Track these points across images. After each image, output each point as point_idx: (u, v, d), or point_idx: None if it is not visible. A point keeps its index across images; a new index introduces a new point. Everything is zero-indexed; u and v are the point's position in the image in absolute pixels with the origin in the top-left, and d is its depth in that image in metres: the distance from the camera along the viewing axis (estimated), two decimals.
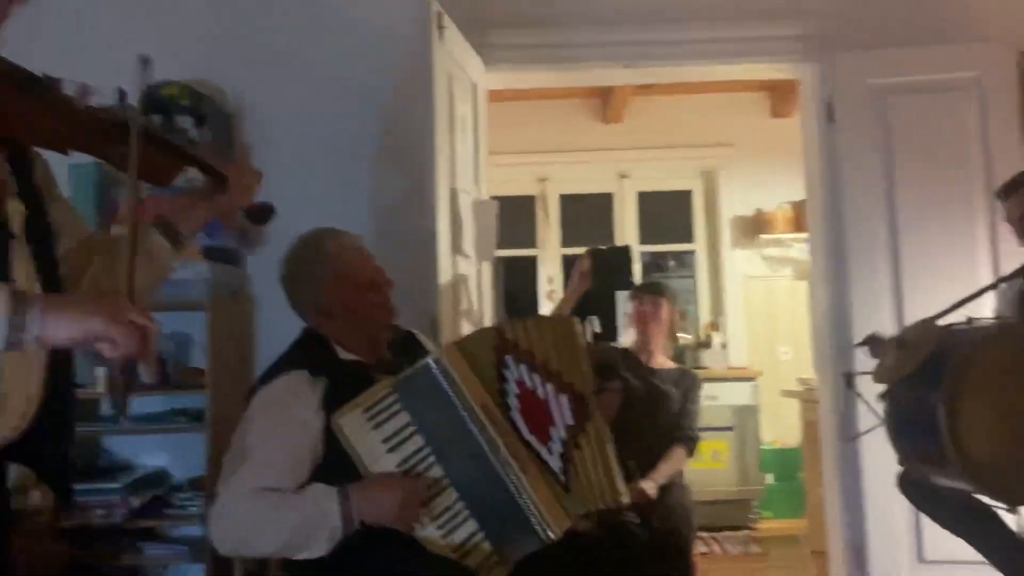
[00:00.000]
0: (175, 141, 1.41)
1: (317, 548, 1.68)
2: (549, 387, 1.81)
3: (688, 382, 3.23)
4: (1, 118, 1.15)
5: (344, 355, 1.92)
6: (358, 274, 1.98)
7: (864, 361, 2.52)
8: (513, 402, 1.80)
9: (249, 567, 2.33)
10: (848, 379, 2.60)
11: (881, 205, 3.16)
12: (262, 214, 1.59)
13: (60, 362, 1.23)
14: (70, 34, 3.05)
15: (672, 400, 3.13)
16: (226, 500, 1.72)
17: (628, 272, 3.04)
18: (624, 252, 3.07)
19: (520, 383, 1.80)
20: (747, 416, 4.93)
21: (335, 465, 1.75)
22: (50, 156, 1.38)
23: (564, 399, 1.81)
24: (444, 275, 2.68)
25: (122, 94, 1.35)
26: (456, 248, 2.82)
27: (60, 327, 1.06)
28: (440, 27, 2.74)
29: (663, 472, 3.02)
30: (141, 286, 1.38)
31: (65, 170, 2.85)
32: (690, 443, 3.14)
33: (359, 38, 3.20)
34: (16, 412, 1.16)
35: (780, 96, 5.37)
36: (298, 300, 2.01)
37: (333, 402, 1.77)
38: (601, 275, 2.95)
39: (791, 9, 3.28)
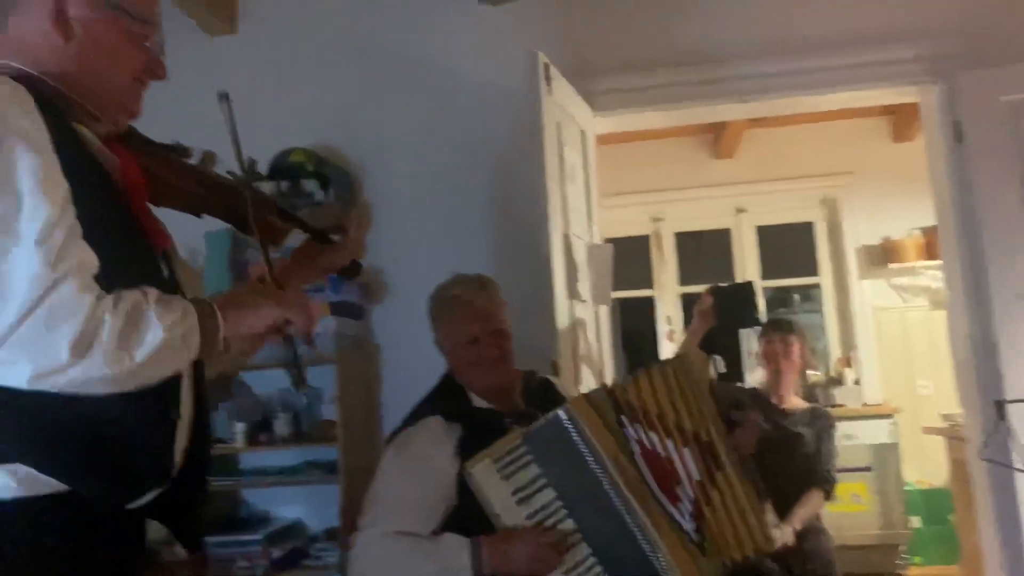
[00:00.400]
0: (280, 204, 1.49)
1: None
2: (670, 443, 1.77)
3: (822, 422, 3.11)
4: (142, 185, 1.25)
5: (478, 403, 1.96)
6: (458, 331, 2.02)
7: (1016, 388, 2.36)
8: (639, 461, 1.76)
9: None
10: (999, 408, 2.44)
11: (1021, 227, 2.97)
12: (351, 270, 1.65)
13: (201, 418, 1.29)
14: (202, 106, 3.29)
15: (806, 442, 3.02)
16: (363, 543, 1.77)
17: (753, 308, 2.96)
18: (747, 288, 3.00)
19: (640, 443, 1.76)
20: (887, 455, 4.68)
21: (468, 511, 1.77)
22: (188, 225, 1.49)
23: (687, 452, 1.77)
24: (561, 321, 2.69)
25: (252, 163, 1.44)
26: (572, 293, 2.83)
27: (242, 322, 1.18)
28: (548, 78, 2.79)
29: (800, 517, 2.89)
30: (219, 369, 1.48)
31: (201, 236, 3.07)
32: (827, 486, 3.01)
33: (470, 94, 3.30)
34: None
35: (902, 120, 5.17)
36: (432, 326, 2.10)
37: (467, 449, 1.80)
38: (724, 313, 2.88)
39: (909, 31, 3.17)
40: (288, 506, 3.20)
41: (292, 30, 3.47)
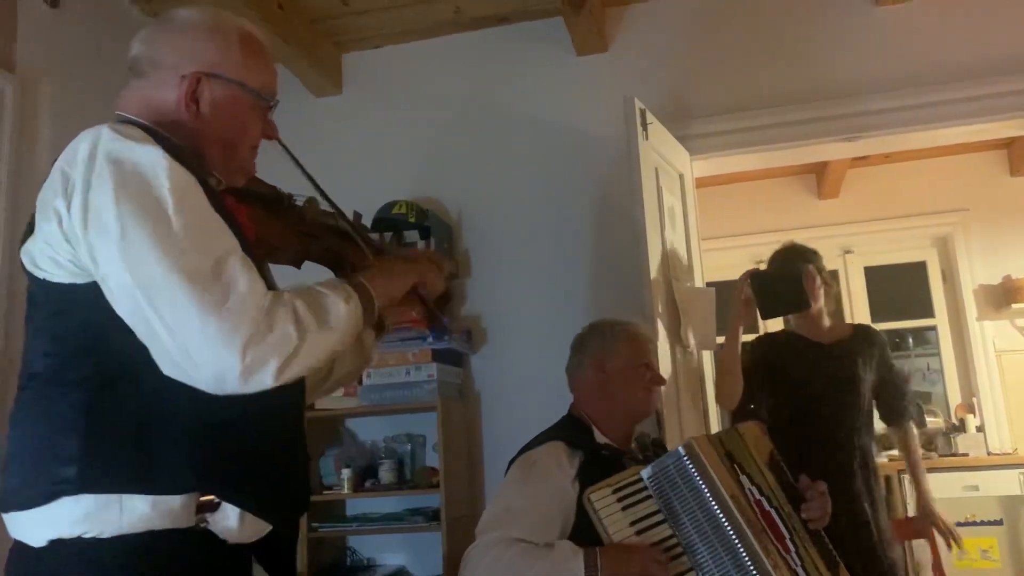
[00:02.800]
0: (371, 240, 1.51)
1: None
2: (764, 500, 1.78)
3: (876, 343, 2.78)
4: (260, 234, 1.32)
5: (601, 438, 2.02)
6: (645, 351, 2.13)
7: None
8: (755, 508, 1.73)
9: None
10: None
11: None
12: (440, 300, 1.67)
13: (301, 464, 1.35)
14: (308, 163, 3.44)
15: (861, 380, 2.70)
16: (477, 545, 1.79)
17: (799, 290, 2.65)
18: (790, 271, 2.72)
19: (751, 491, 1.77)
20: (1018, 507, 4.37)
21: (584, 538, 1.77)
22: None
23: (774, 513, 1.77)
24: (664, 368, 2.64)
25: (357, 216, 1.49)
26: (675, 339, 2.79)
27: (391, 289, 1.32)
28: (644, 124, 2.79)
29: (924, 483, 2.75)
30: (350, 370, 1.57)
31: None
32: (912, 415, 2.78)
33: (567, 143, 3.34)
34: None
35: (1019, 153, 4.92)
36: (583, 352, 2.14)
37: (587, 476, 1.84)
38: (768, 299, 2.68)
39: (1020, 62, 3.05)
40: (393, 553, 3.23)
41: (393, 88, 3.60)
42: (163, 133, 1.21)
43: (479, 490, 3.19)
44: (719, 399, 2.80)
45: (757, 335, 2.92)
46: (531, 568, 1.71)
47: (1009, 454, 4.64)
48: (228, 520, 1.14)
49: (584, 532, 1.78)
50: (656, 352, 2.20)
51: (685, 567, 1.70)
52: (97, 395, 1.10)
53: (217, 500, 1.13)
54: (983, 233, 5.07)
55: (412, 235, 3.17)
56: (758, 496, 1.77)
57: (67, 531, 1.07)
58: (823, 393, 2.68)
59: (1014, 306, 4.88)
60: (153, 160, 1.10)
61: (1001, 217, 5.01)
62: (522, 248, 3.32)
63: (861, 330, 2.88)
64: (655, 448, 2.14)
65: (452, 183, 3.44)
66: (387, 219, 3.17)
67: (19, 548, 1.12)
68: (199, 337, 1.04)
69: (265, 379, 1.07)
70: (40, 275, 1.15)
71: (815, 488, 1.90)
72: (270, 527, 1.21)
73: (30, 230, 1.17)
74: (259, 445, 1.19)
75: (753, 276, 2.71)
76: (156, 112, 1.24)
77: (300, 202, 1.43)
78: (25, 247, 1.17)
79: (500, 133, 3.44)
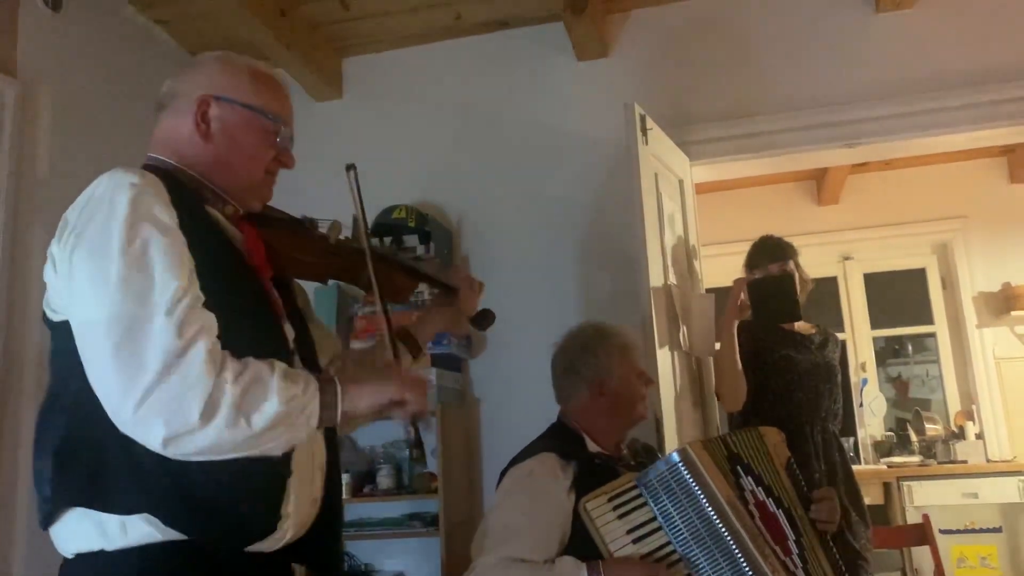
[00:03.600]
0: (407, 262, 1.55)
1: None
2: (770, 501, 1.78)
3: (836, 344, 2.93)
4: (275, 257, 1.37)
5: (592, 447, 2.00)
6: (637, 360, 2.11)
7: None
8: (753, 510, 1.72)
9: None
10: None
11: None
12: (484, 320, 1.70)
13: (332, 465, 1.38)
14: (308, 168, 3.45)
15: (836, 370, 2.85)
16: (480, 569, 1.77)
17: (792, 302, 2.76)
18: (785, 280, 2.80)
19: (753, 494, 1.76)
20: (1018, 515, 4.36)
21: (581, 548, 1.76)
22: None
23: (782, 514, 1.78)
24: (662, 373, 2.64)
25: (333, 224, 1.51)
26: (673, 345, 2.79)
27: (362, 400, 1.24)
28: (644, 129, 2.80)
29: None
30: None
31: (312, 293, 3.18)
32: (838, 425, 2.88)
33: (567, 149, 3.34)
34: (304, 513, 1.29)
35: (1019, 160, 4.93)
36: (577, 373, 2.07)
37: (581, 486, 1.82)
38: (763, 308, 2.78)
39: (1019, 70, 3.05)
40: (391, 559, 3.22)
41: (394, 93, 3.61)
42: (181, 168, 1.31)
43: (478, 495, 3.18)
44: (722, 401, 2.82)
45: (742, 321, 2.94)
46: None
47: (1008, 461, 4.64)
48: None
49: (581, 542, 1.76)
50: (641, 351, 2.17)
51: (683, 573, 1.70)
52: (72, 422, 1.18)
53: None
54: (983, 240, 5.07)
55: (412, 240, 3.17)
56: (762, 497, 1.76)
57: (84, 545, 1.17)
58: (803, 377, 2.78)
59: (1013, 313, 4.88)
60: (117, 207, 1.15)
61: (1001, 224, 5.01)
62: (522, 253, 3.32)
63: (825, 330, 2.99)
64: (646, 453, 2.13)
65: (452, 188, 3.45)
66: (387, 224, 3.17)
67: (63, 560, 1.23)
68: (105, 381, 1.11)
69: (151, 441, 1.09)
70: (47, 314, 1.25)
71: (823, 491, 1.92)
72: (290, 538, 1.24)
73: None
74: (213, 476, 1.16)
75: (751, 285, 2.78)
76: (175, 143, 1.34)
77: (324, 227, 1.48)
78: (46, 294, 1.27)
79: (500, 138, 3.44)
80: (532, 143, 3.39)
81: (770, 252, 2.90)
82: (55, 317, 1.23)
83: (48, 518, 1.20)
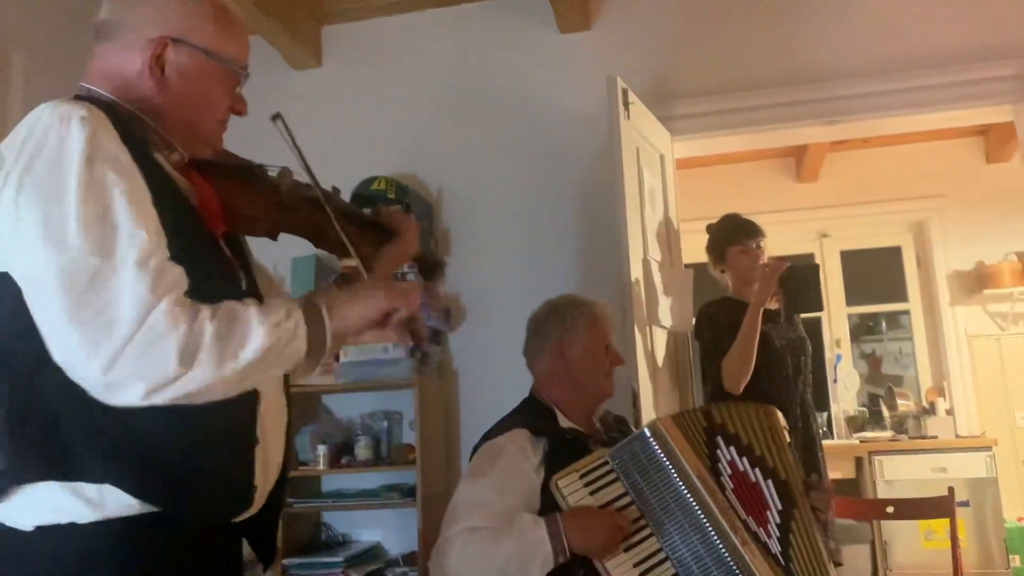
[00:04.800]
0: (349, 208, 1.47)
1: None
2: (758, 471, 1.78)
3: (799, 320, 3.05)
4: (225, 211, 1.26)
5: (564, 422, 1.99)
6: (605, 334, 2.08)
7: None
8: (726, 482, 1.74)
9: None
10: None
11: None
12: (431, 266, 1.63)
13: (289, 426, 1.33)
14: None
15: (807, 343, 2.97)
16: (444, 540, 1.78)
17: (817, 293, 2.89)
18: (812, 271, 2.94)
19: (732, 464, 1.77)
20: (984, 490, 4.45)
21: None
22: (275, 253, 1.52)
23: (771, 484, 1.78)
24: (641, 347, 2.66)
25: (335, 191, 1.46)
26: (652, 319, 2.80)
27: (352, 314, 1.17)
28: (626, 103, 2.79)
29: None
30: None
31: (288, 263, 3.16)
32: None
33: (549, 121, 3.32)
34: (270, 482, 1.25)
35: (996, 140, 4.97)
36: (542, 337, 2.08)
37: (552, 463, 1.82)
38: (792, 297, 2.86)
39: (1004, 48, 3.07)
40: (368, 529, 3.23)
41: (374, 62, 3.56)
42: (123, 105, 1.17)
43: (455, 467, 3.20)
44: (726, 380, 2.77)
45: (710, 302, 3.01)
46: (498, 548, 1.70)
47: (977, 437, 4.73)
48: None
49: None
50: (614, 329, 2.14)
51: (655, 547, 1.71)
52: (17, 386, 1.07)
53: None
54: (958, 219, 5.13)
55: None
56: (743, 467, 1.76)
57: (50, 517, 1.06)
58: (781, 350, 2.85)
59: (986, 292, 4.95)
60: (70, 145, 1.03)
61: (976, 204, 5.07)
62: (502, 226, 3.31)
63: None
64: (619, 426, 2.13)
65: (432, 160, 3.42)
66: (366, 195, 3.14)
67: (4, 532, 1.09)
68: (64, 342, 1.01)
69: (130, 399, 1.01)
70: None
71: (823, 484, 1.92)
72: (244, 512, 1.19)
73: None
74: (180, 443, 1.11)
75: (783, 278, 2.81)
76: (118, 80, 1.19)
77: (273, 173, 1.36)
78: None
79: (481, 110, 3.41)
80: (514, 115, 3.37)
81: (746, 229, 2.97)
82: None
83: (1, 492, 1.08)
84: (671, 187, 3.25)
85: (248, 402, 1.19)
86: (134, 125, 1.16)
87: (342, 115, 3.52)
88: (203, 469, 1.13)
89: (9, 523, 1.08)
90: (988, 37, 3.11)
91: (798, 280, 2.86)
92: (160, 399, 1.02)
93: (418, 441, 2.97)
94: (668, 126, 3.21)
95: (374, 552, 3.13)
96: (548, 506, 1.78)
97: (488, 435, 1.96)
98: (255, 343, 1.05)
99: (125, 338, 0.99)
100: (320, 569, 2.92)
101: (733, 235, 2.97)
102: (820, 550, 1.78)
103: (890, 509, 2.81)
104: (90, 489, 1.06)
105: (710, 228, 3.08)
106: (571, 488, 1.75)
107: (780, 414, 1.94)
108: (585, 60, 3.34)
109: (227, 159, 1.34)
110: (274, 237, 1.38)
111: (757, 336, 2.75)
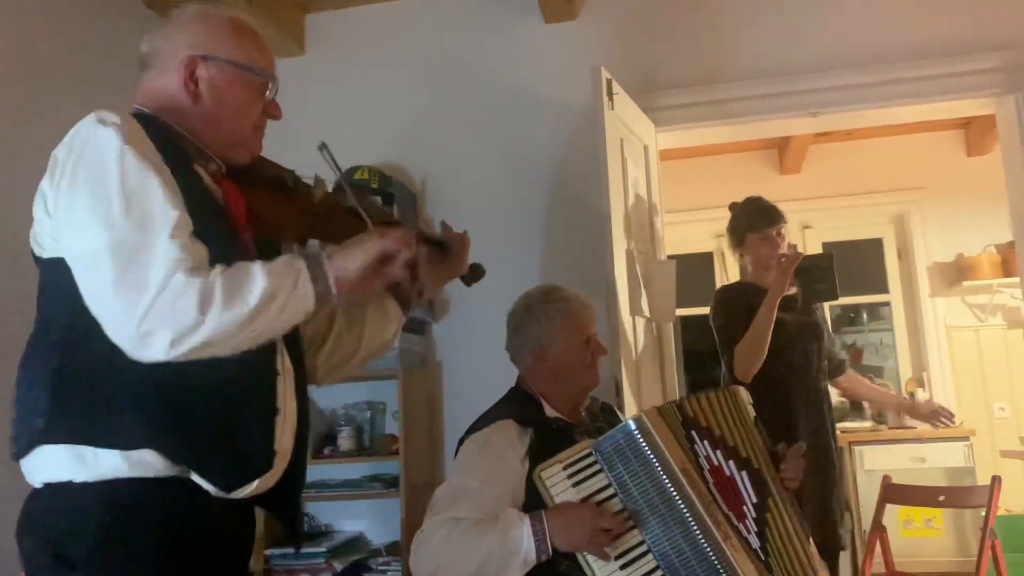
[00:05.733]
0: (396, 219, 1.53)
1: (512, 573, 1.70)
2: (732, 464, 1.79)
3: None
4: (254, 219, 1.37)
5: (550, 412, 1.99)
6: (584, 326, 2.06)
7: None
8: (708, 476, 1.74)
9: None
10: None
11: None
12: (475, 274, 1.68)
13: (302, 420, 1.42)
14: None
15: (823, 327, 3.02)
16: (426, 528, 1.78)
17: (832, 282, 2.89)
18: (827, 261, 2.93)
19: (708, 459, 1.77)
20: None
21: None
22: None
23: (745, 475, 1.78)
24: (624, 338, 2.66)
25: (317, 180, 1.48)
26: (635, 310, 2.81)
27: (350, 261, 1.25)
28: (610, 94, 2.79)
29: (887, 395, 3.24)
30: (376, 346, 1.62)
31: None
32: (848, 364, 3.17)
33: (533, 112, 3.32)
34: (285, 458, 1.35)
35: (976, 133, 5.01)
36: (522, 337, 2.08)
37: (537, 454, 1.82)
38: (809, 286, 2.89)
39: (986, 42, 3.09)
40: (351, 520, 3.23)
41: (358, 51, 3.54)
42: (162, 119, 1.32)
43: (439, 457, 3.20)
44: (737, 368, 2.79)
45: (726, 285, 3.12)
46: (480, 541, 1.70)
47: (956, 427, 4.77)
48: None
49: (536, 508, 1.76)
50: (595, 319, 2.11)
51: (636, 540, 1.71)
52: (65, 356, 1.21)
53: None
54: (939, 211, 5.17)
55: (375, 201, 3.13)
56: (718, 462, 1.77)
57: (54, 475, 1.20)
58: (795, 337, 2.87)
59: (965, 283, 5.00)
60: (109, 144, 1.18)
61: (956, 196, 5.11)
62: (486, 216, 3.30)
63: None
64: (605, 415, 2.13)
65: (417, 149, 3.41)
66: (348, 185, 3.12)
67: (30, 490, 1.25)
68: (108, 306, 1.14)
69: (157, 349, 1.12)
70: (35, 251, 1.28)
71: (795, 450, 1.94)
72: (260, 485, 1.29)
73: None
74: (210, 409, 1.23)
75: (799, 268, 2.82)
76: (160, 100, 1.35)
77: (308, 182, 1.46)
78: (32, 230, 1.28)
79: (466, 99, 3.40)
80: (498, 105, 3.36)
81: (767, 216, 2.97)
82: (44, 254, 1.25)
83: (25, 449, 1.22)
84: (655, 178, 3.26)
85: (268, 373, 1.32)
86: (173, 136, 1.31)
87: (325, 104, 3.50)
88: (231, 432, 1.25)
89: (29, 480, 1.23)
90: (970, 30, 3.12)
91: (815, 270, 2.88)
92: (185, 347, 1.13)
93: (401, 431, 2.96)
94: (652, 117, 3.21)
95: (357, 542, 3.13)
96: (533, 496, 1.78)
97: (475, 426, 1.96)
98: (260, 285, 1.16)
99: (154, 295, 1.11)
100: (303, 559, 2.92)
101: (753, 221, 2.98)
102: (796, 541, 1.79)
103: (942, 497, 3.11)
104: (87, 449, 1.18)
105: (733, 207, 3.09)
106: (554, 480, 1.76)
107: (744, 392, 1.95)
108: (570, 50, 3.33)
109: (264, 167, 1.45)
110: (303, 243, 1.49)
111: (772, 326, 2.75)
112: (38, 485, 1.23)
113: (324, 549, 2.92)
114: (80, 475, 1.18)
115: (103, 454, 1.18)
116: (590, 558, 1.71)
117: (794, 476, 1.91)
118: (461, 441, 1.96)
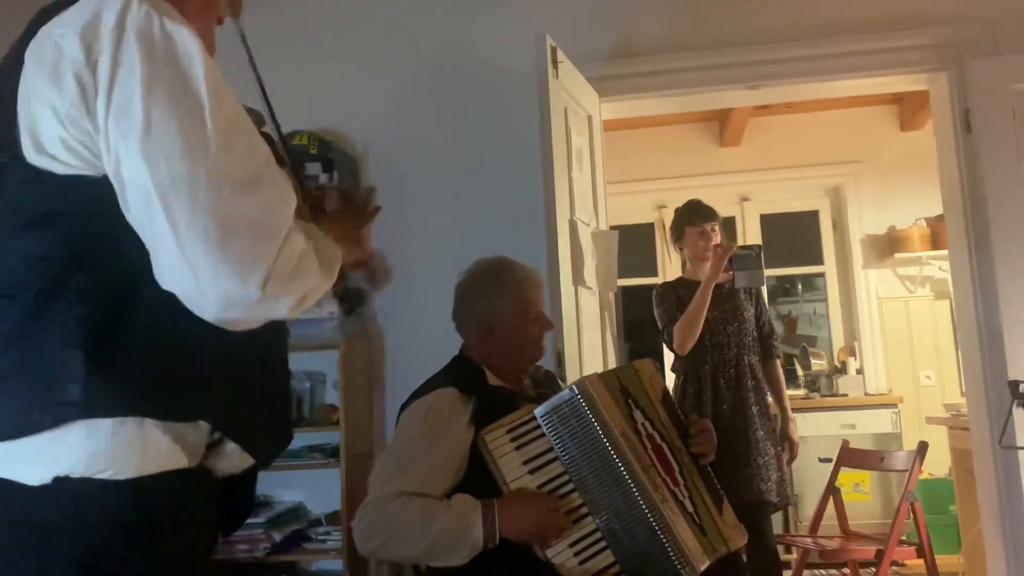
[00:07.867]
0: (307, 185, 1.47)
1: (457, 558, 1.71)
2: (656, 434, 1.84)
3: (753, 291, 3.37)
4: None
5: (493, 380, 2.00)
6: (533, 304, 2.07)
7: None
8: (646, 442, 1.78)
9: None
10: (1014, 389, 2.45)
11: None
12: (354, 298, 1.65)
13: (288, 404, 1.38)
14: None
15: (745, 310, 3.27)
16: (374, 501, 1.76)
17: (761, 271, 3.25)
18: (757, 251, 3.27)
19: (644, 427, 1.82)
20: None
21: (477, 480, 1.78)
22: None
23: (665, 446, 1.84)
24: (567, 308, 2.67)
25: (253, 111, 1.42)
26: (578, 280, 2.82)
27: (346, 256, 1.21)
28: (555, 62, 2.76)
29: (787, 408, 3.35)
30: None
31: None
32: (778, 354, 3.38)
33: (476, 78, 3.28)
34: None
35: (910, 109, 5.13)
36: (470, 311, 2.07)
37: (481, 421, 1.83)
38: (741, 273, 3.22)
39: (919, 18, 3.15)
40: (290, 490, 3.20)
41: (296, 12, 3.44)
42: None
43: (379, 427, 3.18)
44: (676, 343, 3.16)
45: (665, 282, 3.48)
46: (431, 523, 1.70)
47: (884, 395, 4.95)
48: (230, 456, 1.08)
49: (478, 475, 1.78)
50: (541, 292, 2.12)
51: (577, 502, 1.74)
52: (106, 308, 0.96)
53: (219, 436, 1.06)
54: (872, 185, 5.30)
55: (314, 168, 3.07)
56: (650, 430, 1.82)
57: (76, 467, 0.93)
58: (719, 321, 3.19)
59: (897, 255, 5.15)
60: (189, 47, 0.96)
61: (890, 170, 5.24)
62: (429, 183, 3.27)
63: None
64: (548, 382, 2.14)
65: (358, 115, 3.34)
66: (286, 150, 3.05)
67: (6, 488, 0.94)
68: (211, 256, 0.90)
69: (279, 312, 0.96)
70: (38, 163, 0.97)
71: (700, 424, 1.98)
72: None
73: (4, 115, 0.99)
74: (259, 382, 1.12)
75: (733, 256, 3.22)
76: None
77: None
78: (22, 129, 0.97)
79: (409, 64, 3.34)
80: (442, 71, 3.31)
81: (703, 213, 3.37)
82: (66, 169, 0.96)
83: (28, 428, 0.93)
84: (598, 148, 3.26)
85: (286, 334, 1.21)
86: None
87: (262, 67, 3.38)
88: (274, 400, 1.16)
89: (15, 475, 0.95)
90: (906, 6, 3.18)
91: (744, 259, 3.23)
92: (302, 308, 0.99)
93: (342, 402, 2.94)
94: (596, 87, 3.20)
95: (296, 512, 3.11)
96: (477, 464, 1.79)
97: (417, 393, 1.95)
98: (337, 259, 1.11)
99: (280, 244, 0.93)
100: (242, 530, 2.87)
101: (691, 217, 3.35)
102: (711, 509, 1.84)
103: (882, 460, 3.53)
104: (132, 434, 0.95)
105: (676, 211, 3.45)
106: (497, 443, 1.78)
107: (650, 364, 2.00)
108: (515, 16, 3.29)
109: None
110: None
111: (706, 307, 3.12)
112: (40, 481, 0.93)
113: (263, 520, 2.89)
114: (123, 468, 0.94)
115: (154, 439, 0.96)
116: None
117: (705, 450, 1.94)
118: (403, 408, 1.95)
